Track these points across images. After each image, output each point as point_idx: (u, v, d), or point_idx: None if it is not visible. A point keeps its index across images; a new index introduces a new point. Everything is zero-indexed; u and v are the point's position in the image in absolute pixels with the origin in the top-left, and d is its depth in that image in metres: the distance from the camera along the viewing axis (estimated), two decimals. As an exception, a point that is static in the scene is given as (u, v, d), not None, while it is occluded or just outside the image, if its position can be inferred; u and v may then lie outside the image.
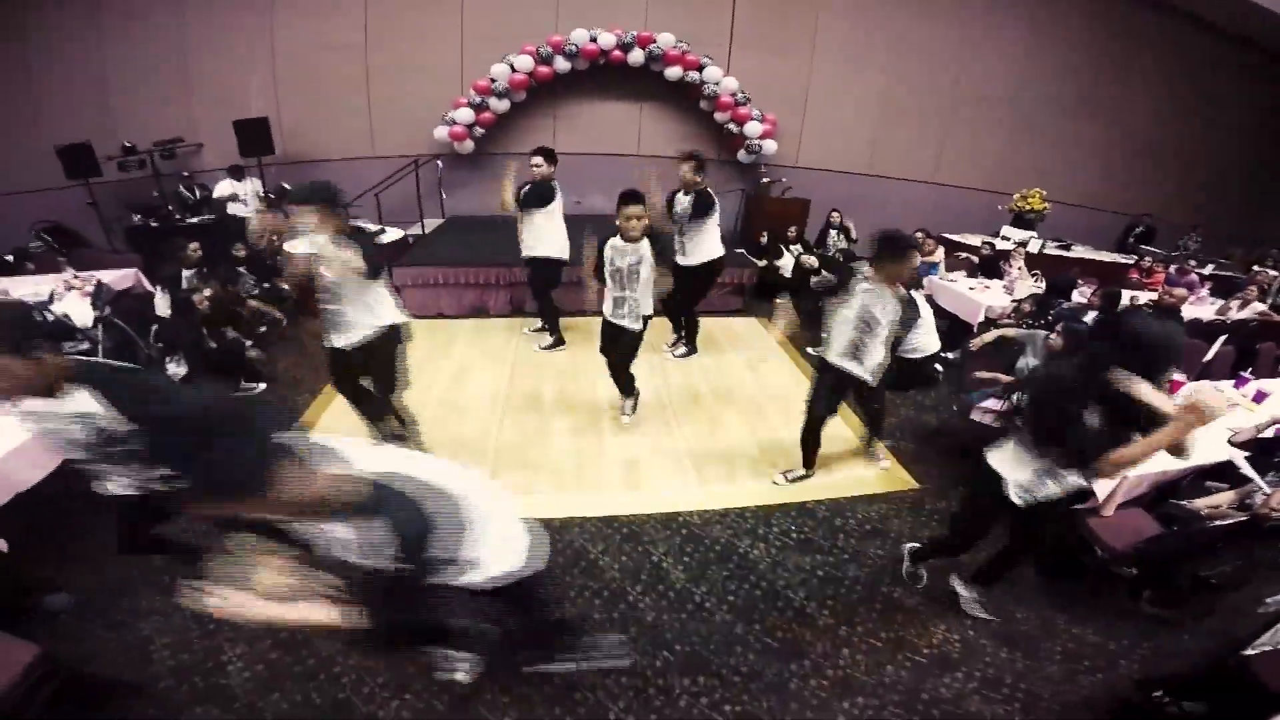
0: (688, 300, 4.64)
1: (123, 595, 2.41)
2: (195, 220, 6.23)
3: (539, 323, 5.05)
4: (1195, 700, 1.94)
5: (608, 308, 3.50)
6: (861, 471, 3.54)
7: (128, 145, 6.27)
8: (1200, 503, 2.56)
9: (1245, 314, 5.22)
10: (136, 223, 6.06)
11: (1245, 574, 2.27)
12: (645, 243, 3.23)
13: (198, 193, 6.51)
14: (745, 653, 2.29)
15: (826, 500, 3.24)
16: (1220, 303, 5.58)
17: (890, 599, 2.63)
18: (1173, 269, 6.46)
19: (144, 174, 6.42)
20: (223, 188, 6.58)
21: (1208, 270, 6.97)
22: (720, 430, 3.88)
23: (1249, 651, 1.91)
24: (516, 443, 3.64)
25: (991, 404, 3.35)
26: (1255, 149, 9.06)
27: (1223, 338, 4.46)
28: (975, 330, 4.81)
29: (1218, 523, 2.39)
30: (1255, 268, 6.93)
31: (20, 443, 2.30)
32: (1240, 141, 8.91)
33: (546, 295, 4.78)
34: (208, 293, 4.26)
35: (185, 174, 6.62)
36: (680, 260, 4.34)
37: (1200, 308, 5.52)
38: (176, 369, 3.92)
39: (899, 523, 3.13)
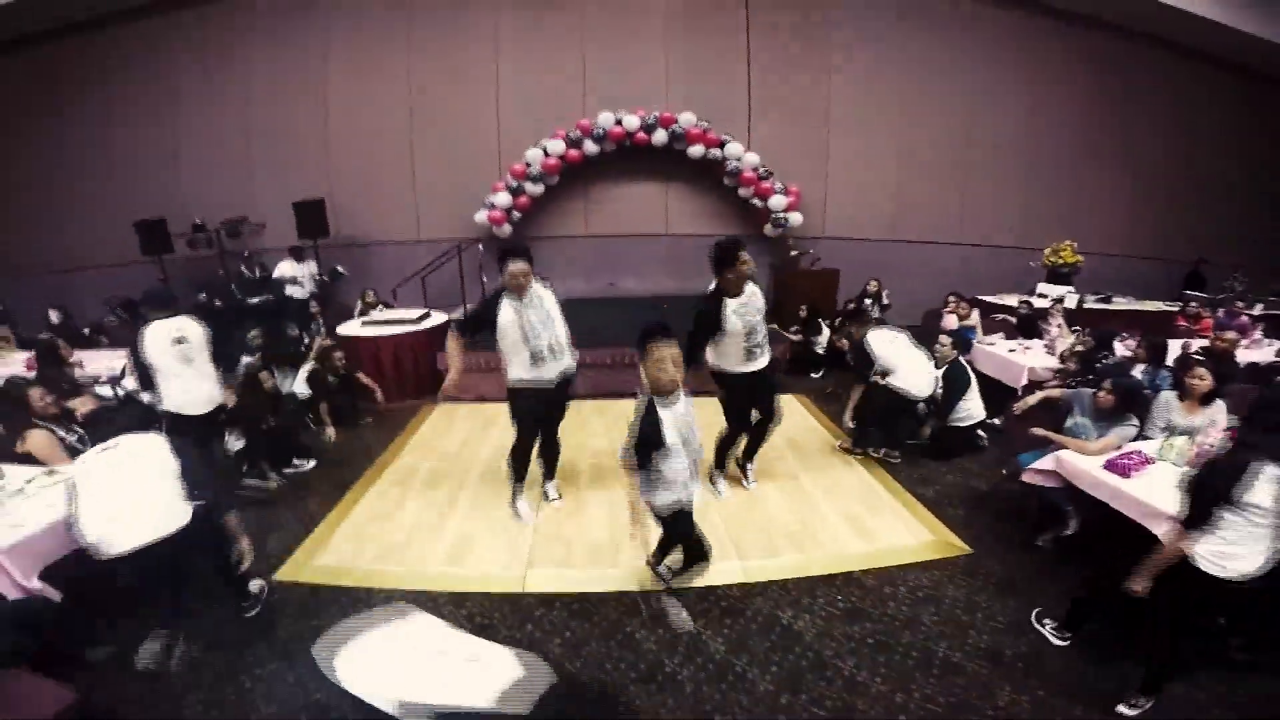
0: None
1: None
2: (255, 300, 6.56)
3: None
4: None
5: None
6: (906, 539, 3.43)
7: (198, 223, 6.66)
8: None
9: (1309, 352, 4.98)
10: (202, 300, 6.38)
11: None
12: None
13: (258, 272, 6.87)
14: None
15: (874, 570, 3.14)
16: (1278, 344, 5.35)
17: (949, 663, 2.48)
18: (1220, 312, 6.24)
19: (211, 252, 6.82)
20: (283, 268, 6.95)
21: (1257, 310, 6.68)
22: (758, 505, 3.81)
23: None
24: (552, 517, 3.66)
25: (1045, 463, 3.24)
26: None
27: (1282, 380, 4.25)
28: (1020, 393, 4.66)
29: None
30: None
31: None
32: (1266, 174, 8.75)
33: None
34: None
35: (246, 253, 6.99)
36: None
37: (1257, 351, 5.29)
38: (235, 443, 4.10)
39: (953, 588, 3.00)
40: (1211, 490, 2.03)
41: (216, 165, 7.37)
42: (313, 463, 4.42)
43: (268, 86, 7.36)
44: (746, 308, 3.39)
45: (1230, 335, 4.71)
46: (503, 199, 7.27)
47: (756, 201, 7.53)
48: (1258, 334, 5.70)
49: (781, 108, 7.83)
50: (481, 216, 7.39)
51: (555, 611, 2.81)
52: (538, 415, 3.47)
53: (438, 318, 6.54)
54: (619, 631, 2.68)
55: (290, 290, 6.97)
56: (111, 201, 6.95)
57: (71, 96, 7.04)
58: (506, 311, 3.19)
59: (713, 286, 3.42)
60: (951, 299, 6.42)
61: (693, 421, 2.47)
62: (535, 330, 3.21)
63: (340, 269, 7.32)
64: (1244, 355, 4.90)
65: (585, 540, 3.41)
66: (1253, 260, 8.07)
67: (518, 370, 3.30)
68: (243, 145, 7.42)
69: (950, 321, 6.06)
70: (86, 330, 6.06)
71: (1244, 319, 5.95)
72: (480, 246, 7.61)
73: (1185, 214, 8.65)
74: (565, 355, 3.38)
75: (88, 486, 2.26)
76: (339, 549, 3.34)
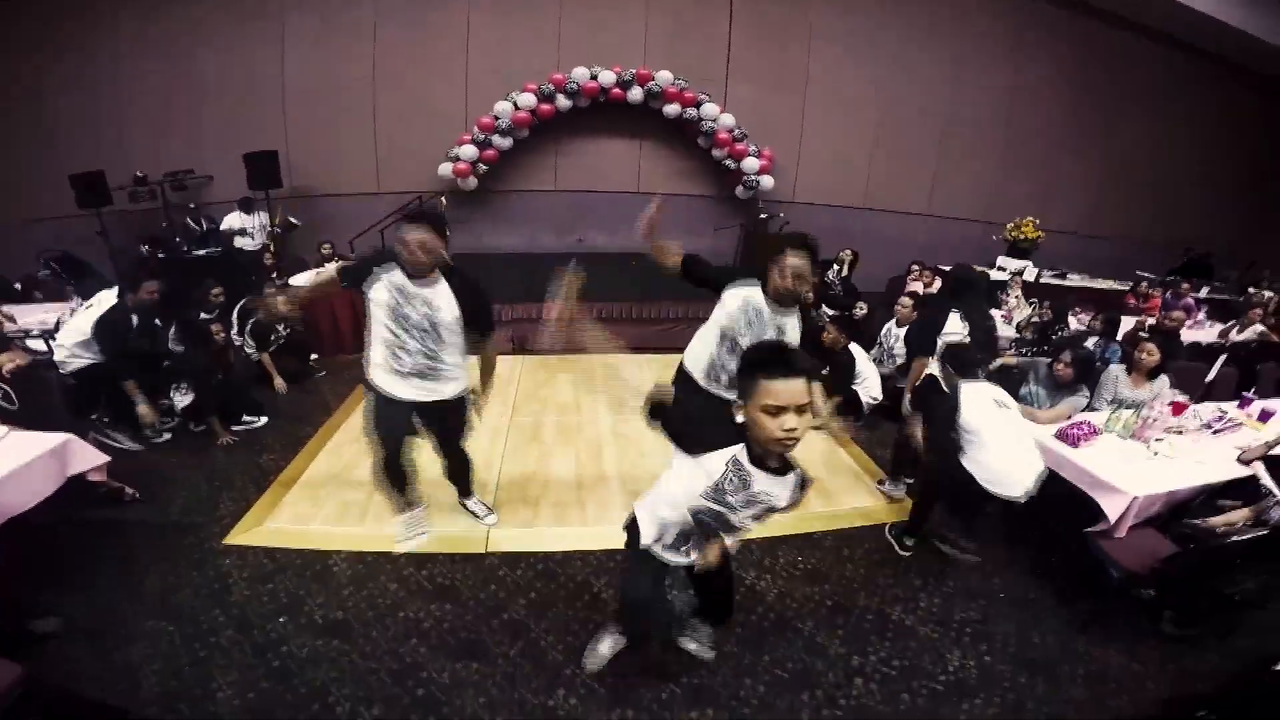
0: None
1: (112, 621, 2.38)
2: (202, 252, 6.28)
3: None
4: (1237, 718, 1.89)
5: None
6: (864, 501, 3.52)
7: (139, 175, 6.34)
8: (1215, 520, 2.52)
9: (1246, 335, 5.24)
10: (144, 253, 6.09)
11: (1268, 589, 2.23)
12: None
13: (205, 225, 6.59)
14: (755, 684, 2.23)
15: (833, 531, 3.21)
16: (1219, 326, 5.61)
17: (903, 626, 2.57)
18: (1169, 294, 6.51)
19: (154, 205, 6.50)
20: (231, 220, 6.67)
21: (1203, 293, 7.01)
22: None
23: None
24: (518, 477, 3.61)
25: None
26: (1243, 172, 9.27)
27: (1222, 358, 4.47)
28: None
29: (1235, 539, 2.36)
30: (1251, 289, 7.00)
31: (13, 469, 2.32)
32: (1228, 164, 9.12)
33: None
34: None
35: (193, 206, 6.69)
36: None
37: (1199, 331, 5.55)
38: (183, 398, 3.92)
39: (906, 551, 3.08)
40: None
41: (163, 117, 6.86)
42: (264, 419, 4.24)
43: (219, 36, 6.84)
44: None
45: (1177, 315, 4.92)
46: (469, 152, 6.99)
47: (730, 163, 7.43)
48: (1200, 315, 5.97)
49: (760, 71, 7.67)
50: (446, 169, 7.09)
51: (520, 571, 2.79)
52: (397, 433, 2.62)
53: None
54: (585, 592, 2.68)
55: (239, 242, 6.67)
56: (48, 153, 6.49)
57: (4, 47, 6.44)
58: (380, 290, 2.32)
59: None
60: (915, 267, 6.54)
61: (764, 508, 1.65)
62: (402, 338, 2.36)
63: (294, 220, 6.98)
64: (1187, 335, 5.14)
65: (551, 499, 3.39)
66: (1205, 247, 8.43)
67: (374, 369, 2.47)
68: (191, 97, 6.91)
69: (915, 289, 6.15)
70: (18, 285, 5.72)
71: (1189, 300, 6.22)
72: (444, 199, 7.37)
73: (1146, 199, 8.95)
74: (445, 381, 2.50)
75: None
76: (294, 509, 3.22)
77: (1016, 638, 2.52)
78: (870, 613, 2.64)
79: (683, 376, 2.60)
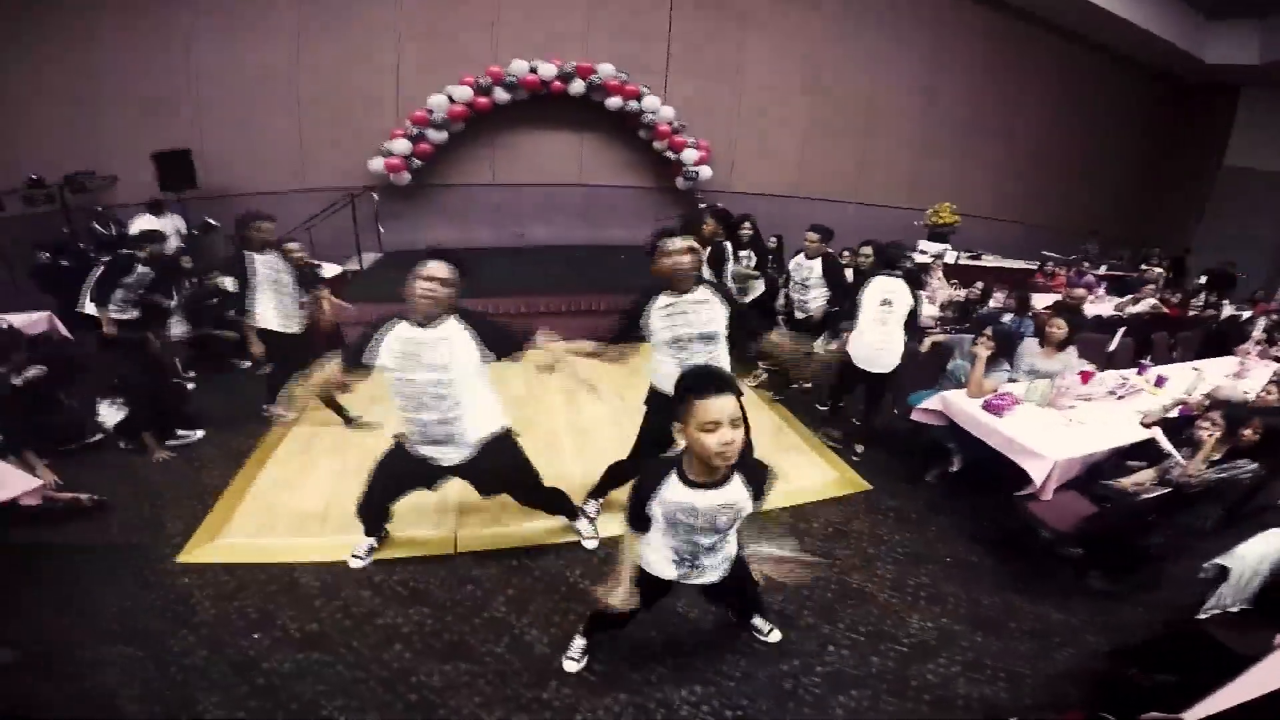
0: None
1: (70, 648, 2.25)
2: (110, 258, 5.81)
3: None
4: (1165, 671, 2.10)
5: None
6: (815, 478, 3.72)
7: (34, 177, 5.81)
8: (1126, 481, 2.83)
9: (1141, 308, 5.83)
10: (44, 261, 5.58)
11: (1178, 543, 2.51)
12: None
13: (114, 229, 6.10)
14: (736, 658, 2.35)
15: (790, 508, 3.38)
16: (1117, 300, 6.21)
17: (863, 593, 2.77)
18: (1072, 272, 7.12)
19: (51, 209, 5.96)
20: (140, 224, 6.17)
21: (1102, 271, 7.74)
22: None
23: (1200, 616, 2.12)
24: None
25: (932, 403, 3.59)
26: (1138, 159, 10.27)
27: (1121, 330, 4.95)
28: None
29: (1145, 497, 2.65)
30: (1143, 266, 7.76)
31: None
32: (1126, 152, 10.09)
33: None
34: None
35: (99, 209, 6.20)
36: None
37: (1100, 305, 6.12)
38: (114, 414, 3.66)
39: (858, 523, 3.31)
40: None
41: (59, 115, 6.28)
42: (201, 432, 4.01)
43: (123, 26, 6.27)
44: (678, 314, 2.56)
45: (1079, 292, 5.39)
46: (401, 146, 6.77)
47: (670, 154, 7.55)
48: (1101, 291, 6.58)
49: (698, 64, 7.83)
50: (377, 164, 6.86)
51: (493, 569, 2.80)
52: (404, 486, 2.62)
53: (330, 269, 6.06)
54: (562, 583, 2.72)
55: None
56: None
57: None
58: (385, 354, 2.26)
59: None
60: (846, 253, 6.85)
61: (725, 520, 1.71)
62: (407, 401, 2.30)
63: (211, 221, 6.57)
64: (1090, 309, 5.66)
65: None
66: (1104, 228, 9.29)
67: (398, 421, 2.42)
68: (92, 93, 6.34)
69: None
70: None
71: (1090, 278, 6.84)
72: (375, 196, 7.13)
73: (1052, 185, 9.79)
74: (468, 433, 2.39)
75: None
76: (246, 523, 3.09)
77: (966, 599, 2.76)
78: (833, 583, 2.82)
79: (658, 398, 2.67)
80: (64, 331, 4.67)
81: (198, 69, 6.60)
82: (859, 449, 4.08)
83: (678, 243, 2.45)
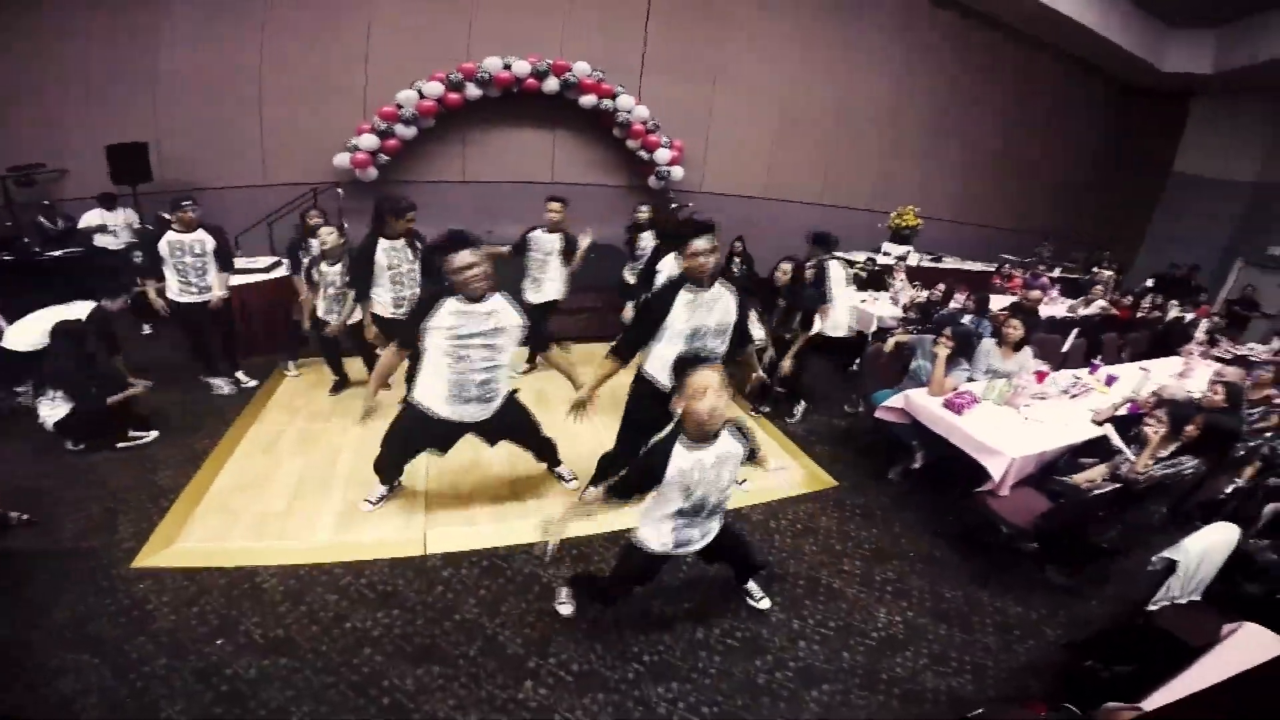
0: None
1: (22, 656, 2.16)
2: (58, 254, 5.57)
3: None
4: (1121, 662, 2.19)
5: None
6: (787, 475, 3.75)
7: None
8: (1078, 477, 2.95)
9: (1092, 310, 6.08)
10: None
11: (1131, 537, 2.63)
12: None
13: (60, 223, 5.84)
14: (711, 655, 2.39)
15: (759, 505, 3.44)
16: (1070, 301, 6.46)
17: (831, 589, 2.83)
18: (1028, 274, 7.38)
19: None
20: (90, 218, 5.92)
21: (1056, 273, 8.03)
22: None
23: (1150, 608, 2.22)
24: (448, 473, 3.52)
25: (895, 402, 3.68)
26: (1092, 165, 10.68)
27: (1075, 331, 5.16)
28: (870, 339, 5.25)
29: (1096, 492, 2.77)
30: (1094, 269, 8.08)
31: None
32: (1080, 158, 10.47)
33: None
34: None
35: (46, 203, 5.91)
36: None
37: (1054, 307, 6.36)
38: (54, 412, 3.50)
39: (825, 519, 3.39)
40: None
41: (9, 108, 5.98)
42: (154, 434, 3.86)
43: (77, 15, 5.96)
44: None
45: (1035, 294, 5.59)
46: (368, 141, 6.61)
47: (643, 154, 7.54)
48: (1055, 293, 6.83)
49: (673, 64, 7.81)
50: (343, 159, 6.68)
51: (464, 571, 2.77)
52: (423, 446, 2.98)
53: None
54: (535, 584, 2.71)
55: (100, 240, 5.94)
56: None
57: None
58: (442, 316, 2.53)
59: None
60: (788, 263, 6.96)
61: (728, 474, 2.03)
62: (460, 367, 2.61)
63: (167, 216, 6.32)
64: (1045, 310, 5.88)
65: (486, 493, 3.37)
66: (1059, 232, 9.64)
67: (431, 398, 2.71)
68: (43, 84, 6.00)
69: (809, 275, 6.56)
70: None
71: (1045, 280, 7.10)
72: (340, 191, 6.96)
73: (1009, 189, 10.13)
74: (499, 392, 2.81)
75: None
76: (205, 526, 2.99)
77: (930, 594, 2.85)
78: (802, 578, 2.88)
79: (647, 386, 2.85)
80: (2, 323, 4.41)
81: (159, 60, 6.33)
82: (797, 410, 4.60)
83: (704, 243, 2.62)
